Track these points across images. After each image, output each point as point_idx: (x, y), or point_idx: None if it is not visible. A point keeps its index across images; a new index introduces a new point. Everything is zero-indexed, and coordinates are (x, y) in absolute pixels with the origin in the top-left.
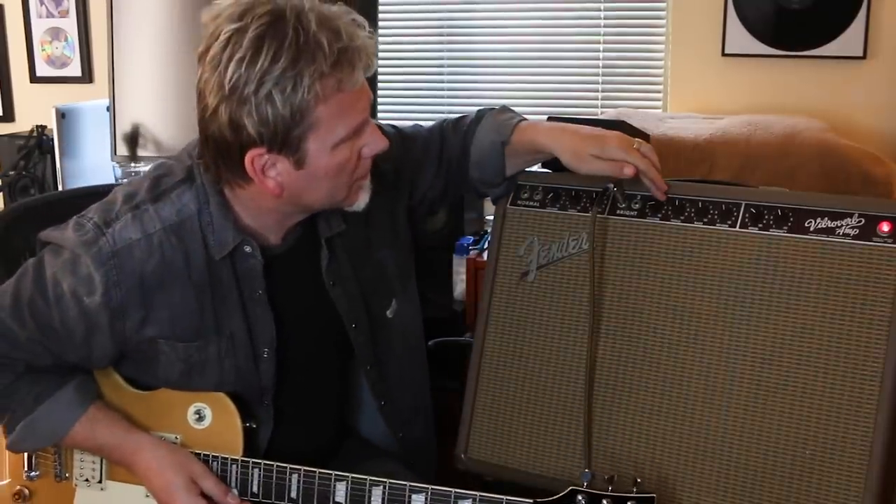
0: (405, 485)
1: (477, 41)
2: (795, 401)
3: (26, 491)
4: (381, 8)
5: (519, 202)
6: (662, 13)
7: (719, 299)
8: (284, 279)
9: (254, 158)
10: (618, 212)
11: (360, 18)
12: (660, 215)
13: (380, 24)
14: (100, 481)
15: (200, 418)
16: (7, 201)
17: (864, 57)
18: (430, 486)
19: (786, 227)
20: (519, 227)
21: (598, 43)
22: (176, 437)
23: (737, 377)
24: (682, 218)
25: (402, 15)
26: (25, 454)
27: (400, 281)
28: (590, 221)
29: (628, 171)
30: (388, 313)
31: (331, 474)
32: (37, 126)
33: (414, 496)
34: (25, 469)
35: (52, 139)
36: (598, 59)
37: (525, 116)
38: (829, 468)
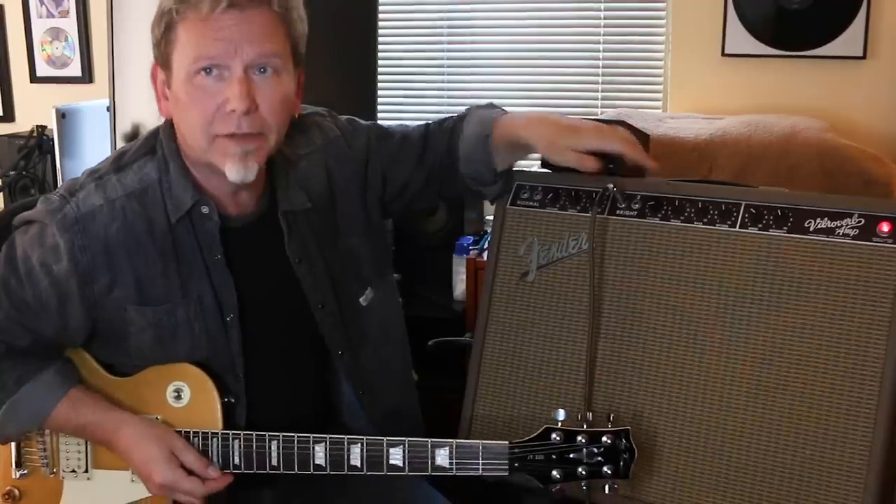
0: (382, 440)
1: (477, 41)
2: (795, 401)
3: (16, 491)
4: (381, 8)
5: (519, 202)
6: (662, 13)
7: (719, 299)
8: (245, 248)
9: (154, 73)
10: (618, 212)
11: None
12: (660, 215)
13: (380, 24)
14: (86, 471)
15: (179, 397)
16: (7, 201)
17: (864, 57)
18: (406, 439)
19: (786, 227)
20: (519, 227)
21: (598, 43)
22: (156, 418)
23: (736, 377)
24: (682, 218)
25: (402, 15)
26: (14, 454)
27: (376, 271)
28: (590, 221)
29: (589, 165)
30: (362, 301)
31: (309, 437)
32: (37, 126)
33: (392, 450)
34: (14, 468)
35: (53, 139)
36: (598, 59)
37: (507, 110)
38: (828, 468)
